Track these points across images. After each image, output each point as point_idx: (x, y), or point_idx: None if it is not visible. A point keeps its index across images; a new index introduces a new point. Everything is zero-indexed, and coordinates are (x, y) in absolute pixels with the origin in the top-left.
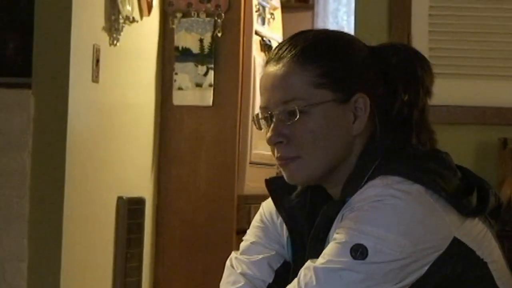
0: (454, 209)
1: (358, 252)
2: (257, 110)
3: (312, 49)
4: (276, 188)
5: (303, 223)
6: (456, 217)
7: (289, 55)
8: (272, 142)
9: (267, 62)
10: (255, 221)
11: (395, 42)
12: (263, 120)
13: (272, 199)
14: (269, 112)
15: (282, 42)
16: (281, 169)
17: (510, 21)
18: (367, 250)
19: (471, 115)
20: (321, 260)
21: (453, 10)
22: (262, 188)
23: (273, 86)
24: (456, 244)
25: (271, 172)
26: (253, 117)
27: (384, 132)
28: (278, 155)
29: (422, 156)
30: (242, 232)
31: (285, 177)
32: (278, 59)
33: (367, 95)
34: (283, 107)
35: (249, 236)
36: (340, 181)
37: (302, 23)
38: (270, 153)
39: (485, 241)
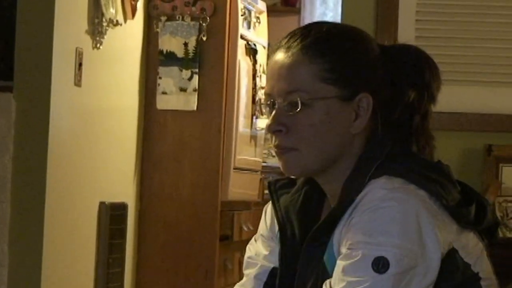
0: (453, 220)
1: (380, 264)
2: (241, 115)
3: (323, 42)
4: (277, 188)
5: (293, 221)
6: (455, 227)
7: (299, 45)
8: (271, 130)
9: (276, 49)
10: (258, 229)
11: (408, 44)
12: (266, 106)
13: (271, 198)
14: (272, 100)
15: (295, 30)
16: (277, 158)
17: (497, 27)
18: (388, 262)
19: (456, 121)
20: (340, 283)
21: (440, 16)
22: (246, 194)
23: (279, 74)
24: (453, 256)
25: (255, 178)
26: (256, 101)
27: (384, 134)
28: (276, 143)
29: (424, 165)
30: (225, 238)
31: (280, 167)
32: (288, 48)
33: (372, 95)
34: (286, 97)
35: (248, 250)
36: (335, 179)
37: (288, 27)
38: (254, 158)
39: (479, 256)
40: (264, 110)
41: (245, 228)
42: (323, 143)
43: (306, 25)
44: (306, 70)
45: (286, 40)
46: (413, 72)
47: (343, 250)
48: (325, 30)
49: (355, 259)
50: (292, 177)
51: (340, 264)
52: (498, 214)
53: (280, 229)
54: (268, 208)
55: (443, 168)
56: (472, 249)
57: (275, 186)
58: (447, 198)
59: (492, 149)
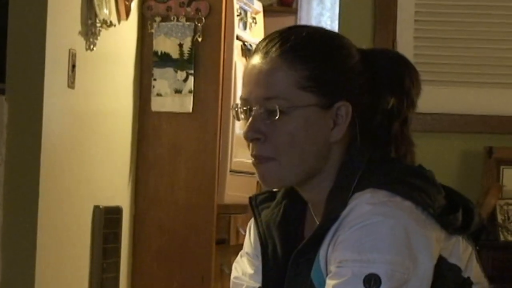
0: (440, 227)
1: (372, 281)
2: None
3: (302, 48)
4: (258, 203)
5: (274, 237)
6: (443, 235)
7: (278, 50)
8: (248, 138)
9: (254, 52)
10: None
11: (387, 48)
12: (242, 112)
13: (253, 214)
14: (249, 106)
15: (274, 33)
16: (254, 168)
17: (497, 27)
18: (379, 278)
19: (456, 123)
20: None
21: (439, 16)
22: (242, 197)
23: (257, 80)
24: (443, 263)
25: (252, 181)
26: (232, 106)
27: (363, 142)
28: (254, 152)
29: (407, 172)
30: (221, 242)
31: (258, 178)
32: (266, 53)
33: (351, 103)
34: (264, 104)
35: (235, 270)
36: (315, 187)
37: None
38: (251, 161)
39: (469, 261)
40: (241, 116)
41: (242, 232)
42: (301, 152)
43: (285, 29)
44: (285, 77)
45: (264, 43)
46: (393, 79)
47: (332, 268)
48: (305, 36)
49: (346, 277)
50: (272, 189)
51: (330, 283)
52: (499, 217)
53: (262, 246)
54: (252, 224)
55: (426, 174)
56: (462, 254)
57: (256, 201)
58: (433, 206)
59: (493, 151)
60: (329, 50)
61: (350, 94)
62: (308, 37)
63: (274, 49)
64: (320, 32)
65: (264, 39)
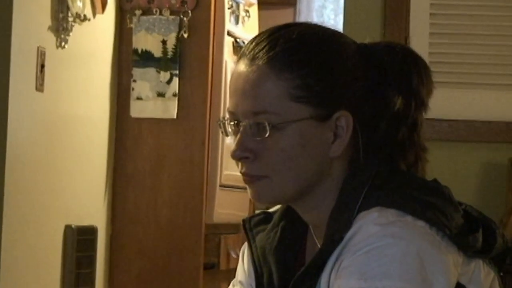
0: (458, 250)
1: None
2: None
3: (293, 53)
4: (252, 226)
5: (270, 263)
6: (462, 259)
7: (265, 57)
8: (236, 157)
9: (240, 57)
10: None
11: (393, 42)
12: (230, 126)
13: (247, 238)
14: (236, 121)
15: (261, 35)
16: (247, 186)
17: None
18: None
19: (476, 131)
20: None
21: (459, 9)
22: (234, 215)
23: (243, 91)
24: None
25: (245, 197)
26: (218, 120)
27: (367, 154)
28: (243, 171)
29: (419, 187)
30: (210, 266)
31: (249, 195)
32: (253, 58)
33: (352, 111)
34: (252, 119)
35: None
36: (316, 206)
37: (282, 22)
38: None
39: (492, 287)
40: (228, 131)
41: (233, 255)
42: (296, 169)
43: (274, 29)
44: (274, 87)
45: (251, 47)
46: (399, 76)
47: None
48: (295, 38)
49: None
50: (266, 209)
51: None
52: None
53: (256, 274)
54: (246, 249)
55: (441, 189)
56: (484, 280)
57: (250, 224)
58: (449, 227)
59: None
60: (323, 53)
61: (349, 102)
62: (299, 39)
63: (261, 54)
64: (313, 32)
65: (251, 41)
